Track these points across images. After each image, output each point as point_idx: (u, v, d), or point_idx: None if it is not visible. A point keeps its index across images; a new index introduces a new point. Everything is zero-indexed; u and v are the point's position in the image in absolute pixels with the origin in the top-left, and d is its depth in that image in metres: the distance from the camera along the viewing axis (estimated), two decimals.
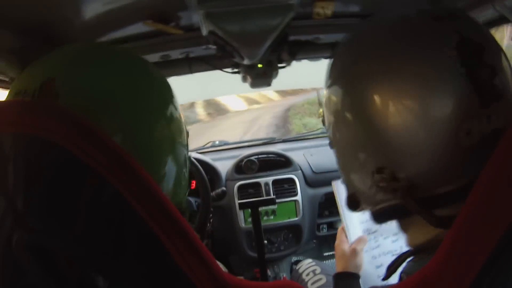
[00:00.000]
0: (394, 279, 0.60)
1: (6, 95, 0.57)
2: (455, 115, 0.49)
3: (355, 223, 1.05)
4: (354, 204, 0.66)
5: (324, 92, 0.66)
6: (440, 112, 0.49)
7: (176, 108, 0.60)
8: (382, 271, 0.61)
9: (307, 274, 1.28)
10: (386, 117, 0.53)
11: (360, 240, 1.01)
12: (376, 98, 0.53)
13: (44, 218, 0.44)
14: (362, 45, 0.59)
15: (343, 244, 1.02)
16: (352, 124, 0.58)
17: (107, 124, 0.50)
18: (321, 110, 0.72)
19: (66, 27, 0.88)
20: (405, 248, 0.65)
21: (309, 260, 1.39)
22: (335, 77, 0.62)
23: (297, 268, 1.39)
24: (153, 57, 1.18)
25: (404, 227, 0.64)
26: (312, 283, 1.23)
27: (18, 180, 0.45)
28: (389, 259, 1.01)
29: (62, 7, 0.79)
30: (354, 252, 0.98)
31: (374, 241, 1.04)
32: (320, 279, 1.23)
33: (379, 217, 0.64)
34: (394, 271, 0.63)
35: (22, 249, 0.43)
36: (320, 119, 0.72)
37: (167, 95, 0.60)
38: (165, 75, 1.27)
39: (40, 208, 0.44)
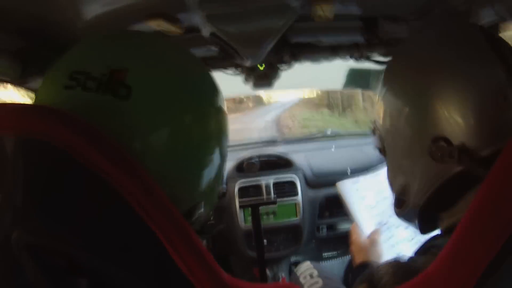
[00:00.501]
0: None
1: (43, 83, 0.53)
2: (493, 81, 0.59)
3: (366, 218, 1.06)
4: (401, 202, 0.72)
5: (379, 97, 0.73)
6: (482, 80, 0.60)
7: (222, 101, 0.61)
8: (404, 258, 0.64)
9: (304, 277, 1.29)
10: (439, 95, 0.62)
11: (375, 231, 1.03)
12: (433, 87, 0.63)
13: (44, 218, 0.44)
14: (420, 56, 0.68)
15: (359, 238, 1.04)
16: (406, 113, 0.66)
17: (171, 121, 0.51)
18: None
19: (67, 28, 0.89)
20: (419, 234, 0.74)
21: (307, 263, 1.39)
22: (392, 81, 0.72)
23: (295, 271, 1.40)
24: None
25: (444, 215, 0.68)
26: (309, 286, 1.24)
27: (18, 181, 0.45)
28: (406, 245, 1.03)
29: (63, 8, 0.80)
30: (373, 243, 1.01)
31: (388, 232, 1.05)
32: (316, 282, 1.24)
33: (426, 208, 0.67)
34: (423, 254, 0.66)
35: (21, 248, 0.43)
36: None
37: (217, 89, 0.60)
38: None
39: (40, 208, 0.44)
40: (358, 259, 1.02)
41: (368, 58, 1.23)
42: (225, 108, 0.61)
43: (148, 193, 0.43)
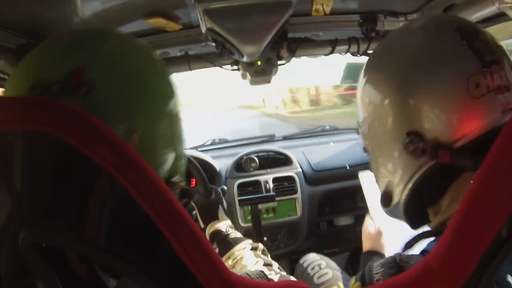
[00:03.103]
0: None
1: (7, 90, 0.53)
2: (465, 73, 0.59)
3: (380, 210, 1.07)
4: (387, 199, 0.72)
5: (359, 91, 0.73)
6: (454, 73, 0.60)
7: (178, 104, 0.61)
8: (408, 252, 0.64)
9: (313, 268, 1.28)
10: (414, 92, 0.62)
11: (385, 223, 1.04)
12: (406, 82, 0.63)
13: (52, 217, 0.44)
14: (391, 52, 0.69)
15: (369, 227, 1.06)
16: (383, 106, 0.66)
17: (130, 116, 0.51)
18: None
19: (65, 26, 0.89)
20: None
21: (314, 255, 1.38)
22: (369, 75, 0.71)
23: (301, 262, 1.38)
24: None
25: (432, 214, 0.69)
26: (318, 277, 1.23)
27: (26, 178, 0.44)
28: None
29: (61, 6, 0.80)
30: (379, 233, 1.02)
31: (398, 225, 1.05)
32: (327, 273, 1.23)
33: (409, 206, 0.67)
34: (410, 247, 0.68)
35: (29, 247, 0.43)
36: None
37: (174, 90, 0.60)
38: None
39: (48, 207, 0.44)
40: (365, 247, 1.04)
41: (366, 53, 1.23)
42: (179, 110, 0.61)
43: (154, 191, 0.43)
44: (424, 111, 0.61)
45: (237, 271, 0.82)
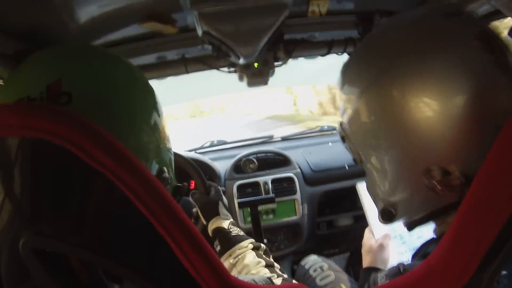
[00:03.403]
0: None
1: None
2: (491, 96, 0.52)
3: (380, 222, 1.06)
4: (389, 217, 0.66)
5: (349, 108, 0.65)
6: (479, 97, 0.52)
7: (159, 114, 0.61)
8: (404, 265, 0.61)
9: (315, 270, 1.27)
10: (432, 117, 0.54)
11: (386, 236, 1.02)
12: (417, 101, 0.54)
13: (52, 222, 0.44)
14: (388, 53, 0.59)
15: (370, 240, 1.03)
16: (393, 131, 0.58)
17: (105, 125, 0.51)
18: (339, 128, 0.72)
19: (62, 31, 0.89)
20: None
21: (315, 256, 1.38)
22: (364, 87, 0.60)
23: (303, 264, 1.37)
24: (150, 58, 1.19)
25: (436, 223, 0.64)
26: (321, 279, 1.22)
27: (25, 184, 0.45)
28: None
29: (57, 11, 0.80)
30: (381, 247, 1.00)
31: (400, 238, 1.05)
32: (329, 275, 1.22)
33: (416, 224, 0.64)
34: (420, 259, 0.63)
35: (29, 252, 0.43)
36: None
37: (153, 100, 0.61)
38: (162, 76, 1.29)
39: (48, 212, 0.44)
40: (365, 262, 1.02)
41: None
42: (160, 119, 0.61)
43: (153, 195, 0.43)
44: (445, 140, 0.54)
45: (243, 276, 0.82)
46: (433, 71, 0.53)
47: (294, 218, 1.82)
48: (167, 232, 0.43)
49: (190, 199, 1.38)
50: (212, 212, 1.09)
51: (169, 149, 0.64)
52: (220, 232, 1.01)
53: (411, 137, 0.56)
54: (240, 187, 1.82)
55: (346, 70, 0.66)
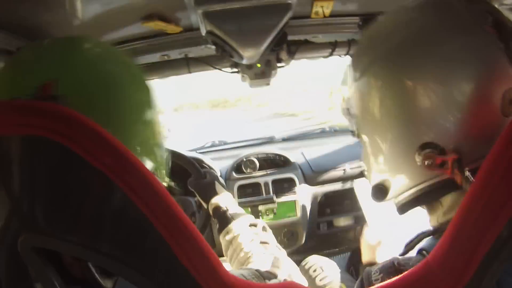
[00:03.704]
0: None
1: None
2: (498, 85, 0.53)
3: (378, 218, 1.06)
4: (380, 194, 0.67)
5: (352, 83, 0.66)
6: (486, 83, 0.53)
7: (155, 111, 0.61)
8: (399, 259, 0.62)
9: (314, 270, 1.27)
10: (433, 95, 0.55)
11: (385, 232, 1.03)
12: (422, 81, 0.55)
13: (51, 221, 0.44)
14: (399, 31, 0.59)
15: (369, 238, 1.04)
16: (394, 107, 0.59)
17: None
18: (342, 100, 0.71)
19: (65, 29, 0.89)
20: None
21: (316, 257, 1.38)
22: (369, 64, 0.61)
23: (303, 264, 1.37)
24: (153, 57, 1.18)
25: (428, 211, 0.66)
26: (320, 279, 1.22)
27: (24, 182, 0.44)
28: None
29: (60, 9, 0.80)
30: (380, 245, 1.01)
31: (398, 233, 1.05)
32: (328, 275, 1.23)
33: (406, 206, 0.64)
34: (411, 248, 0.64)
35: (28, 250, 0.43)
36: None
37: (149, 97, 0.61)
38: (164, 76, 1.29)
39: (47, 210, 0.44)
40: (365, 260, 1.03)
41: None
42: (158, 116, 0.61)
43: (153, 195, 0.43)
44: (445, 119, 0.55)
45: (232, 271, 0.82)
46: (443, 53, 0.54)
47: (294, 218, 1.82)
48: (169, 233, 0.43)
49: (189, 198, 1.38)
50: (210, 193, 1.11)
51: (164, 147, 0.64)
52: (218, 211, 1.04)
53: (412, 114, 0.57)
54: (240, 188, 1.82)
55: (360, 42, 0.68)
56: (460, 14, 0.56)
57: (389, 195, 0.66)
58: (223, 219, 1.01)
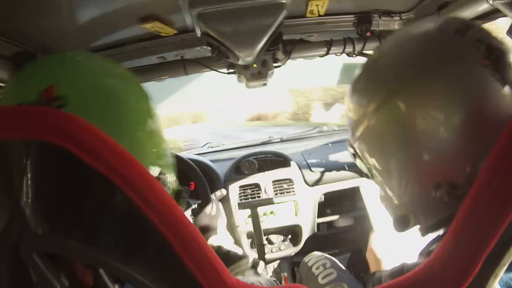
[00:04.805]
0: None
1: None
2: (503, 114, 0.53)
3: (385, 224, 1.05)
4: (404, 225, 0.67)
5: (357, 121, 0.66)
6: (491, 115, 0.54)
7: (155, 119, 0.62)
8: (408, 264, 0.62)
9: (317, 268, 1.26)
10: (443, 133, 0.56)
11: (391, 238, 1.03)
12: (429, 118, 0.56)
13: (53, 224, 0.44)
14: (401, 71, 0.59)
15: (375, 246, 1.04)
16: (403, 148, 0.60)
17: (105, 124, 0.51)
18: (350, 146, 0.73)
19: (60, 34, 0.89)
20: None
21: (319, 254, 1.37)
22: (378, 104, 0.61)
23: (306, 261, 1.36)
24: (149, 59, 1.19)
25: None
26: (323, 277, 1.21)
27: (26, 186, 0.44)
28: None
29: (56, 14, 0.80)
30: (387, 253, 1.01)
31: (406, 244, 1.04)
32: (331, 273, 1.21)
33: (429, 230, 0.64)
34: (425, 256, 0.63)
35: (30, 254, 0.43)
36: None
37: (148, 106, 0.61)
38: (160, 77, 1.29)
39: (49, 214, 0.44)
40: (373, 268, 1.02)
41: (361, 53, 1.23)
42: (157, 123, 0.62)
43: (156, 197, 0.43)
44: (454, 155, 0.56)
45: (248, 279, 0.83)
46: (443, 90, 0.55)
47: (294, 219, 1.82)
48: (172, 235, 0.42)
49: (190, 200, 1.38)
50: (210, 230, 1.11)
51: (167, 154, 0.64)
52: (219, 250, 1.04)
53: (423, 154, 0.58)
54: (240, 188, 1.82)
55: (358, 86, 0.67)
56: (456, 50, 0.56)
57: (411, 226, 0.66)
58: (225, 259, 1.00)
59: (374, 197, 1.07)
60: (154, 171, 0.59)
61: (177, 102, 2.08)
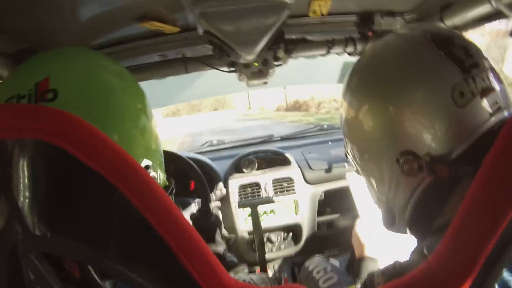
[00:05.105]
0: None
1: None
2: (447, 83, 0.60)
3: (370, 212, 1.07)
4: (391, 218, 0.72)
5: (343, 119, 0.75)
6: (436, 85, 0.61)
7: (148, 116, 0.63)
8: (401, 254, 0.64)
9: (318, 272, 1.26)
10: (399, 111, 0.63)
11: (375, 224, 1.05)
12: (392, 102, 0.64)
13: (50, 224, 0.44)
14: (382, 78, 0.67)
15: (359, 230, 1.08)
16: (370, 129, 0.68)
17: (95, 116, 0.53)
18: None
19: (62, 31, 0.88)
20: None
21: (319, 258, 1.37)
22: (365, 105, 0.69)
23: (306, 265, 1.36)
24: (151, 57, 1.18)
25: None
26: (324, 281, 1.22)
27: (23, 187, 0.44)
28: (407, 242, 1.04)
29: (58, 11, 0.79)
30: (370, 237, 1.04)
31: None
32: (332, 277, 1.22)
33: (413, 219, 0.67)
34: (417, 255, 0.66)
35: (28, 255, 0.43)
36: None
37: (142, 104, 0.63)
38: (161, 76, 1.29)
39: (46, 214, 0.44)
40: (358, 253, 1.05)
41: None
42: (151, 120, 0.64)
43: (152, 196, 0.43)
44: (412, 128, 0.62)
45: (239, 276, 0.83)
46: (421, 96, 0.61)
47: (294, 217, 1.82)
48: (169, 235, 0.42)
49: (189, 200, 1.38)
50: (208, 237, 1.13)
51: (158, 152, 0.66)
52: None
53: (387, 130, 0.65)
54: (240, 187, 1.82)
55: (349, 89, 0.73)
56: (435, 63, 0.62)
57: (397, 217, 0.70)
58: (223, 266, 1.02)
59: (360, 188, 1.10)
60: (148, 168, 0.61)
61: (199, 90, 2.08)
